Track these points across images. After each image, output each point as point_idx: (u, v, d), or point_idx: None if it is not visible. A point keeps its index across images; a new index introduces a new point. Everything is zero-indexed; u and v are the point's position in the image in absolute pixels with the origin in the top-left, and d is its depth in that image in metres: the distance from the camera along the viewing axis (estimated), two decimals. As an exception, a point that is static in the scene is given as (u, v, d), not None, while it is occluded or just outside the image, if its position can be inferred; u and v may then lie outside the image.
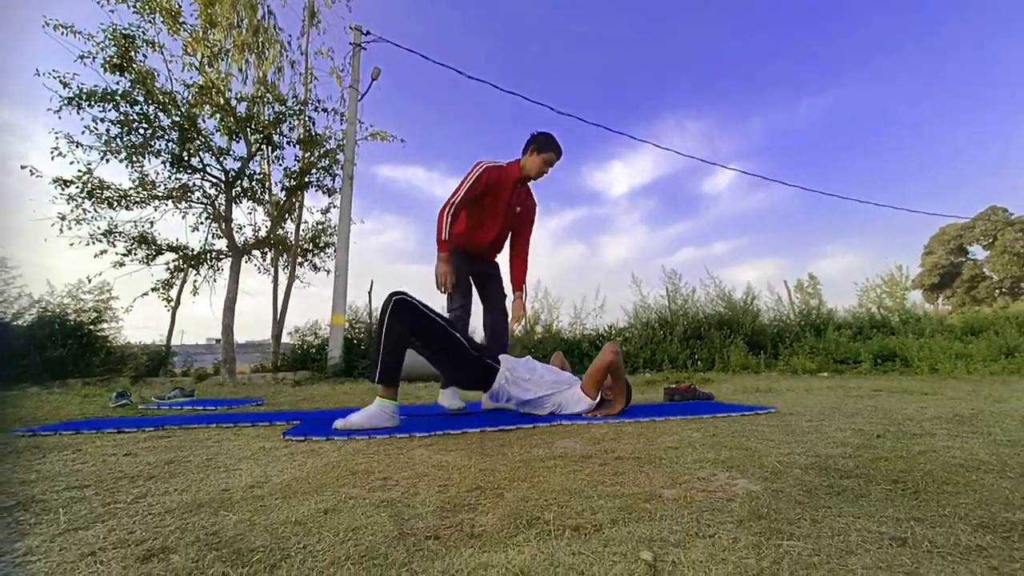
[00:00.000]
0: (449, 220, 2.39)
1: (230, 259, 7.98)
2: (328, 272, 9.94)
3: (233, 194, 7.82)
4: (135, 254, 7.83)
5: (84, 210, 7.06)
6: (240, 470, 1.19)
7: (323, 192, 8.94)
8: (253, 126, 7.57)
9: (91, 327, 7.71)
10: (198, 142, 7.10)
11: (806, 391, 3.64)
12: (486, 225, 2.57)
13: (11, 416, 2.56)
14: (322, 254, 10.12)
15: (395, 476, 1.09)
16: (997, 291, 24.80)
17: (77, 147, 6.86)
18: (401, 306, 1.87)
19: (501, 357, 2.07)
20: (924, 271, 27.76)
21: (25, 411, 2.81)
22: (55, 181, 6.95)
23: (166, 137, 6.90)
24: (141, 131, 6.77)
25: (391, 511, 0.83)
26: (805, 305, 11.74)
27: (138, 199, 7.37)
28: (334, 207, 9.32)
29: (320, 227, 9.90)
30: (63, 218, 7.02)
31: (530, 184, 2.70)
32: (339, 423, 1.75)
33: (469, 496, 0.91)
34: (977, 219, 26.97)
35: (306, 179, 8.65)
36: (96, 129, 6.71)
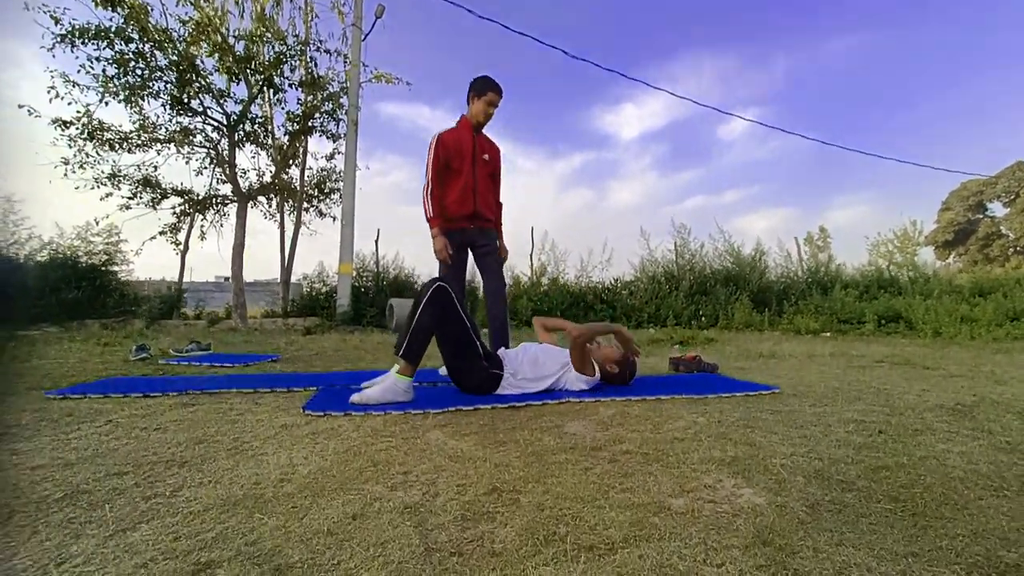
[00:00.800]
0: (428, 198, 2.58)
1: (236, 205, 7.92)
2: (334, 219, 9.90)
3: (236, 139, 7.63)
4: (140, 197, 7.78)
5: (87, 153, 6.95)
6: (267, 455, 1.26)
7: (327, 138, 8.70)
8: (253, 67, 7.25)
9: (103, 268, 7.83)
10: (197, 83, 6.83)
11: (808, 358, 3.70)
12: (462, 186, 2.63)
13: (40, 370, 2.67)
14: (327, 200, 10.02)
15: (414, 469, 1.15)
16: (1012, 250, 24.40)
17: (74, 87, 6.65)
18: (438, 293, 1.91)
19: (504, 359, 2.09)
20: (939, 227, 27.20)
21: (51, 364, 2.92)
22: (54, 122, 6.79)
23: (164, 78, 6.64)
24: (138, 71, 6.51)
25: (415, 520, 0.88)
26: (814, 260, 11.64)
27: (139, 142, 7.21)
28: (339, 153, 9.10)
29: (324, 173, 9.74)
30: (67, 162, 6.93)
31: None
32: (356, 398, 1.81)
33: (487, 501, 0.97)
34: (1001, 175, 26.02)
35: (309, 124, 8.39)
36: (92, 69, 6.46)
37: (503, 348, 2.35)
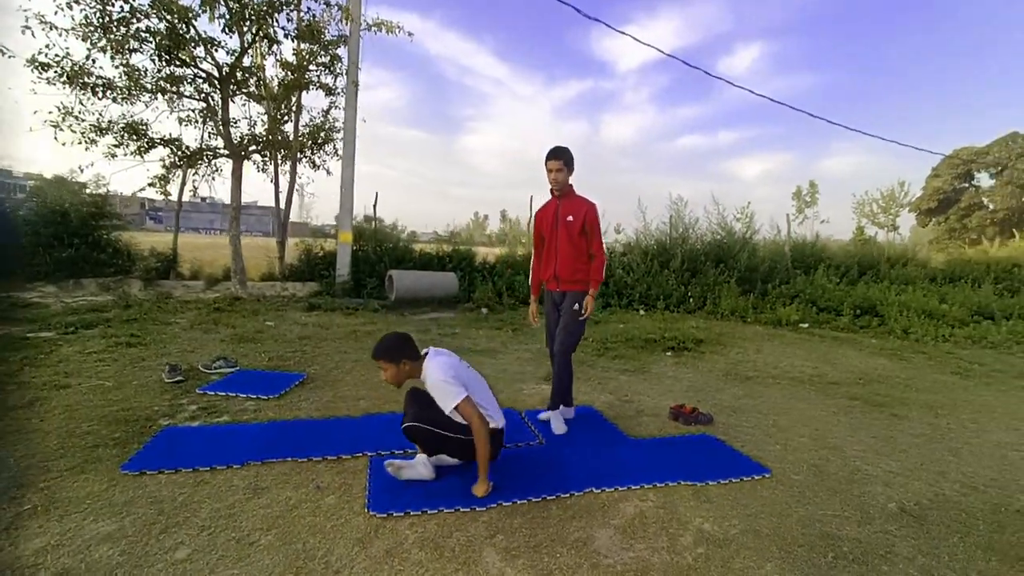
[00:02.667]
0: (531, 270, 3.20)
1: (230, 162, 7.65)
2: (328, 172, 9.61)
3: (229, 92, 7.21)
4: (127, 147, 7.43)
5: (68, 108, 6.55)
6: (360, 594, 1.51)
7: (324, 92, 8.26)
8: (246, 14, 6.71)
9: (95, 223, 7.63)
10: (191, 32, 6.36)
11: (790, 382, 3.91)
12: (547, 251, 3.03)
13: (79, 397, 2.82)
14: (322, 152, 9.67)
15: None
16: (989, 221, 25.08)
17: (51, 29, 6.14)
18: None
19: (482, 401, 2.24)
20: (925, 194, 27.57)
21: (85, 388, 3.07)
22: (31, 62, 6.31)
23: (151, 28, 6.16)
24: (124, 20, 6.01)
25: None
26: (800, 237, 11.93)
27: (125, 93, 6.78)
28: (336, 108, 8.69)
29: (318, 123, 9.31)
30: (55, 123, 6.56)
31: (585, 198, 2.95)
32: (395, 471, 2.15)
33: None
34: (993, 145, 26.09)
35: (305, 76, 7.92)
36: (71, 10, 5.95)
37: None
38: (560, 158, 2.83)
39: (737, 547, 1.85)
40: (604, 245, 2.95)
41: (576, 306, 2.84)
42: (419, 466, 2.22)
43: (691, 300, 8.77)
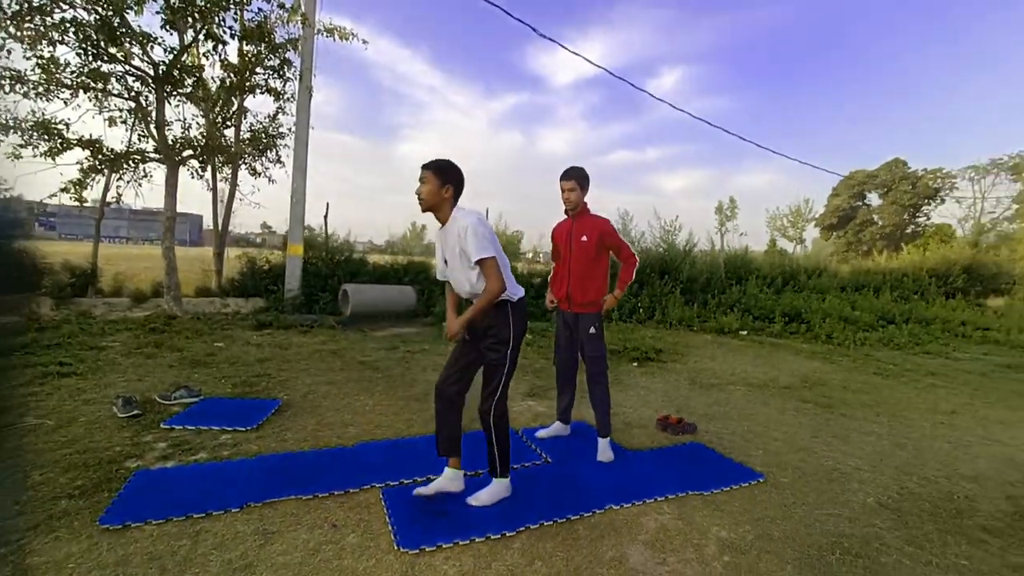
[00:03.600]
0: (550, 282, 3.11)
1: (162, 168, 7.01)
2: (270, 180, 9.08)
3: (165, 93, 6.62)
4: (36, 148, 6.59)
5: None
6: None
7: (271, 96, 7.83)
8: (190, 10, 6.22)
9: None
10: (122, 29, 5.79)
11: (748, 387, 4.20)
12: (560, 271, 3.04)
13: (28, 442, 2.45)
14: (263, 159, 9.11)
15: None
16: (878, 236, 28.50)
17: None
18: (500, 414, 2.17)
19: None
20: (827, 211, 30.86)
21: (33, 435, 2.67)
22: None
23: (77, 20, 5.54)
24: (43, 8, 5.36)
25: None
26: (729, 248, 12.85)
27: (38, 88, 6.03)
28: (283, 113, 8.25)
29: (263, 127, 8.77)
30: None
31: (596, 215, 3.00)
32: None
33: None
34: (880, 168, 29.81)
35: (252, 79, 7.47)
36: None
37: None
38: (573, 178, 2.86)
39: (757, 552, 1.97)
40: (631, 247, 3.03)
41: (592, 329, 2.89)
42: (446, 481, 2.26)
43: (641, 311, 9.18)
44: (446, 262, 2.25)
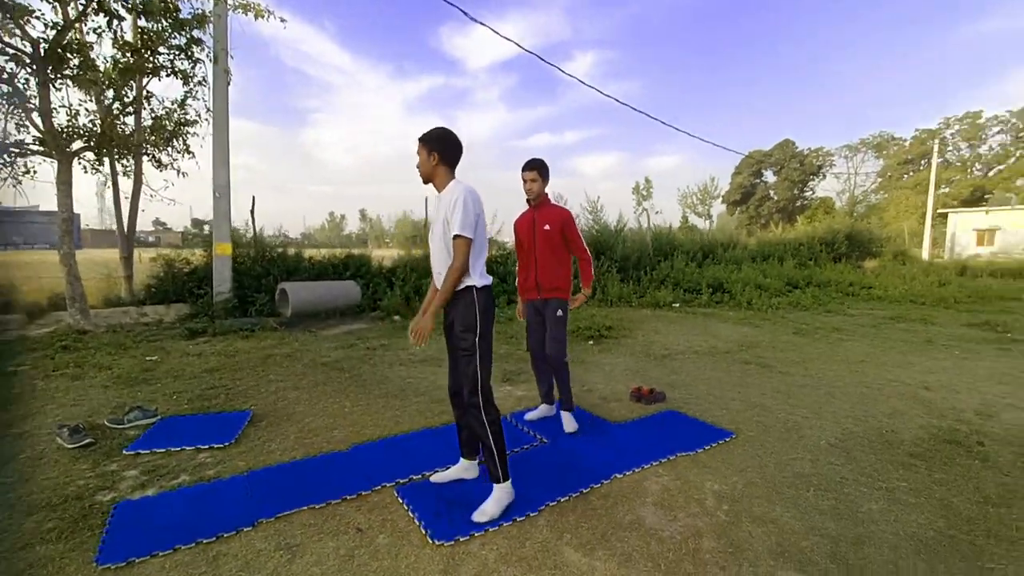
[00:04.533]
0: (517, 277, 3.16)
1: (52, 164, 6.10)
2: (179, 172, 8.21)
3: (48, 75, 5.73)
4: None
5: None
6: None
7: (179, 79, 7.04)
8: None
9: None
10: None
11: (695, 355, 4.61)
12: (526, 263, 3.10)
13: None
14: (170, 149, 8.21)
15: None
16: (774, 209, 31.70)
17: None
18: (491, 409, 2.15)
19: None
20: (731, 188, 33.68)
21: None
22: None
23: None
24: None
25: None
26: (654, 228, 13.67)
27: None
28: (193, 99, 7.45)
29: (166, 112, 7.88)
30: None
31: (558, 204, 3.17)
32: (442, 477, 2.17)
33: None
34: (774, 148, 32.99)
35: (154, 59, 6.67)
36: None
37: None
38: (535, 169, 2.96)
39: (749, 499, 2.23)
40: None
41: (559, 312, 3.00)
42: (461, 470, 2.37)
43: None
44: (431, 229, 2.23)
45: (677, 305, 9.10)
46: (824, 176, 32.63)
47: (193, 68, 7.08)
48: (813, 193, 32.02)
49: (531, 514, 2.08)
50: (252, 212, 8.07)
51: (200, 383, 3.90)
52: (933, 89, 65.14)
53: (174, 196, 8.03)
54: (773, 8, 73.91)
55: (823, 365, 4.69)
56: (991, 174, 34.25)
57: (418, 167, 2.15)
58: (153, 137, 7.86)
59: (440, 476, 2.36)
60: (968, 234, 27.51)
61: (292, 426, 3.04)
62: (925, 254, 21.89)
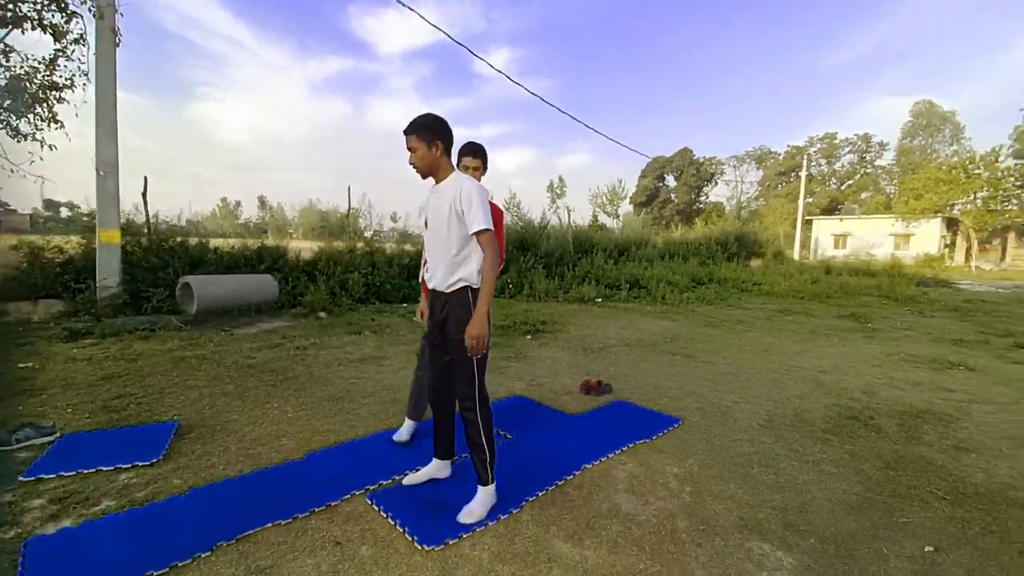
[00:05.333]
0: (423, 267, 2.55)
1: None
2: (45, 145, 6.96)
3: None
4: None
5: None
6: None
7: (48, 33, 5.94)
8: None
9: None
10: None
11: (628, 347, 4.93)
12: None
13: None
14: (34, 117, 6.91)
15: (614, 600, 1.59)
16: (675, 212, 34.49)
17: None
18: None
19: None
20: (638, 190, 36.02)
21: None
22: None
23: None
24: None
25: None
26: (574, 225, 14.21)
27: None
28: (66, 58, 6.34)
29: (26, 73, 6.62)
30: None
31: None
32: (464, 518, 2.00)
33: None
34: (675, 155, 35.83)
35: (13, 7, 5.57)
36: None
37: None
38: (479, 156, 2.79)
39: (706, 479, 2.43)
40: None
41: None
42: (434, 469, 2.31)
43: (511, 286, 9.69)
44: (427, 224, 2.13)
45: (600, 300, 9.56)
46: (716, 183, 36.29)
47: (67, 23, 6.04)
48: (707, 198, 35.50)
49: (514, 511, 2.08)
50: (144, 195, 7.06)
51: (99, 393, 3.36)
52: (803, 110, 75.02)
53: (45, 172, 6.74)
54: (672, 22, 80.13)
55: (736, 354, 5.22)
56: (843, 188, 40.29)
57: (414, 163, 2.02)
58: (8, 100, 6.61)
59: (413, 478, 2.28)
60: (827, 238, 32.17)
61: (230, 436, 2.74)
62: (796, 255, 25.17)
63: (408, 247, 9.97)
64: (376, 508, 2.06)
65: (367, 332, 5.69)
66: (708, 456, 2.69)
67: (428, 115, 2.03)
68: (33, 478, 2.18)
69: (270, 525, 1.91)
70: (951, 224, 28.56)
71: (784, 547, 1.91)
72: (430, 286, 2.15)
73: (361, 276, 7.80)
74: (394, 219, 14.07)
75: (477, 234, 1.96)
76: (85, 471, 2.27)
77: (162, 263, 6.47)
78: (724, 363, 4.80)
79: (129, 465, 2.33)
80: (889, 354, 5.37)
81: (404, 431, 2.72)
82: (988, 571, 1.81)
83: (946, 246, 28.79)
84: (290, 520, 1.95)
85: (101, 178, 5.89)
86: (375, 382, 3.83)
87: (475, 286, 2.05)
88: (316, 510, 2.03)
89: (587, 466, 2.51)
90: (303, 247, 8.86)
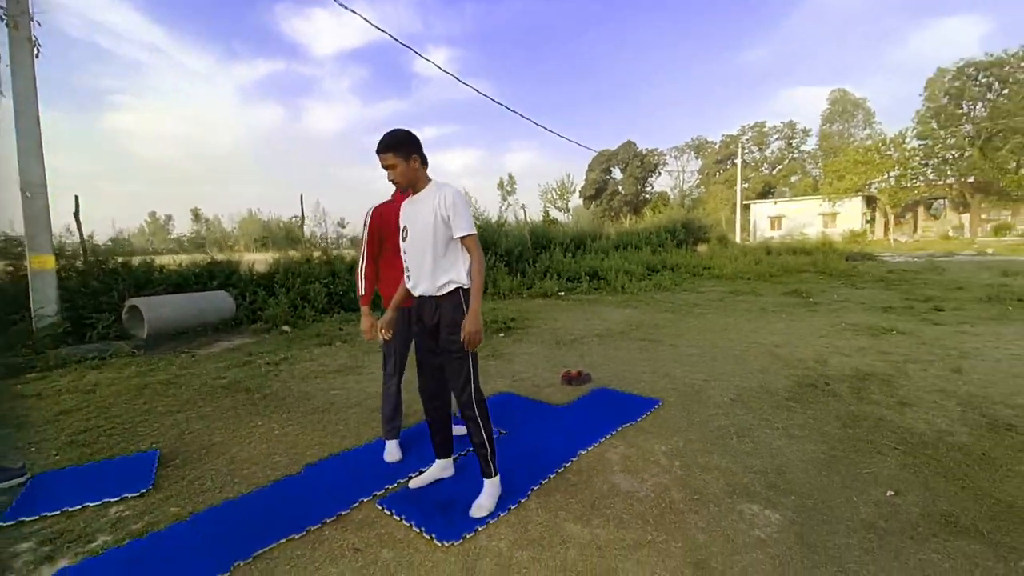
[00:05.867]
0: (362, 279, 2.55)
1: None
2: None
3: None
4: None
5: None
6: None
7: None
8: None
9: None
10: None
11: (598, 338, 5.15)
12: (397, 263, 2.36)
13: None
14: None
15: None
16: (623, 203, 35.57)
17: None
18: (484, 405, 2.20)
19: None
20: (586, 184, 36.85)
21: None
22: None
23: None
24: None
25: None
26: (529, 222, 14.42)
27: None
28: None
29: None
30: None
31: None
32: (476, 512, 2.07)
33: None
34: (620, 148, 36.91)
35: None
36: None
37: None
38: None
39: (692, 453, 2.62)
40: None
41: None
42: (438, 470, 2.37)
43: (475, 285, 9.72)
44: (405, 234, 2.15)
45: (563, 294, 9.79)
46: (660, 173, 37.80)
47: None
48: (653, 188, 36.89)
49: (522, 500, 2.18)
50: (76, 215, 6.58)
51: (61, 428, 3.16)
52: (732, 102, 79.24)
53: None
54: (607, 19, 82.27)
55: (698, 336, 5.54)
56: (775, 172, 42.99)
57: (394, 179, 2.07)
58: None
59: (418, 481, 2.32)
60: (764, 220, 34.23)
61: (218, 459, 2.67)
62: (738, 238, 26.63)
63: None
64: (388, 512, 2.09)
65: (337, 343, 5.59)
66: (690, 432, 2.89)
67: (399, 131, 2.08)
68: (13, 522, 2.05)
69: (284, 540, 1.90)
70: (870, 202, 31.16)
71: (770, 506, 2.11)
72: (416, 293, 2.18)
73: (322, 286, 7.61)
74: (342, 225, 13.72)
75: (463, 238, 2.05)
76: (70, 509, 2.15)
77: (104, 287, 6.06)
78: (688, 345, 5.09)
79: (118, 498, 2.24)
80: (832, 325, 5.87)
81: (392, 450, 2.62)
82: (940, 506, 2.09)
83: (867, 222, 31.42)
84: (304, 533, 1.95)
85: (28, 200, 5.43)
86: (357, 391, 3.80)
87: (466, 286, 2.11)
88: (327, 521, 2.04)
89: (582, 452, 2.64)
90: (256, 259, 8.52)
